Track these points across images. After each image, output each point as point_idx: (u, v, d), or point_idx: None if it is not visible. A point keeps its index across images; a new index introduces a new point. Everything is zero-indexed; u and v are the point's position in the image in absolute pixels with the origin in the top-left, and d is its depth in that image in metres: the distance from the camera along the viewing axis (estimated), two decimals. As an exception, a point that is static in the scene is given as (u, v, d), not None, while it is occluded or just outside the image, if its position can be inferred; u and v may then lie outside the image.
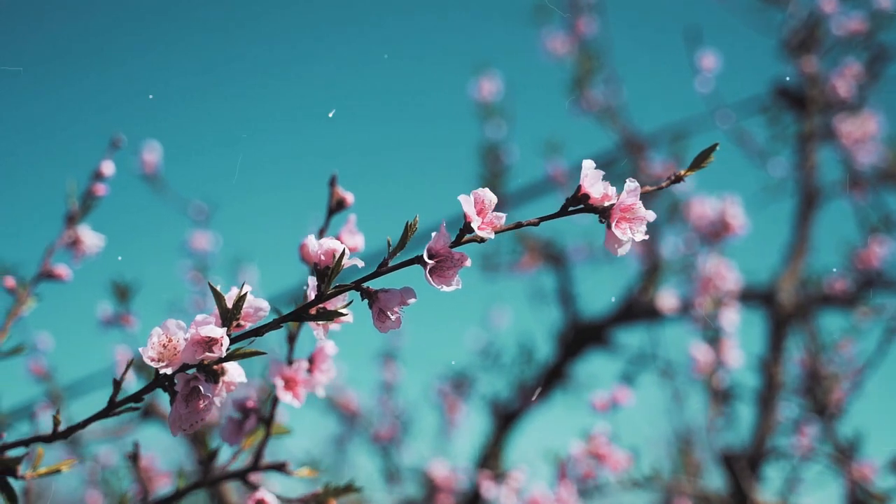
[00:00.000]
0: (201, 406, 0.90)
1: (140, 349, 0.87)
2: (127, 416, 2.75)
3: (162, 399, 2.91)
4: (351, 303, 0.92)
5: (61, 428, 0.99)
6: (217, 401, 0.91)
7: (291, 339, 1.16)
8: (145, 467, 2.65)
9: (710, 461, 3.02)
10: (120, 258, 1.66)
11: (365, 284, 0.90)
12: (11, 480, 1.03)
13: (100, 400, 0.95)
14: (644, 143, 3.76)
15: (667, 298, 3.50)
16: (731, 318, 2.95)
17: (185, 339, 0.87)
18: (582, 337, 3.92)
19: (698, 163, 0.95)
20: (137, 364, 1.61)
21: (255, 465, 1.19)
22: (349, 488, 1.18)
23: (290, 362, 1.14)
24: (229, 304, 0.90)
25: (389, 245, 0.89)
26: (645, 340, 3.29)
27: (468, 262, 0.88)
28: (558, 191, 3.74)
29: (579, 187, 0.90)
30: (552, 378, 3.98)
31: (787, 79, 3.41)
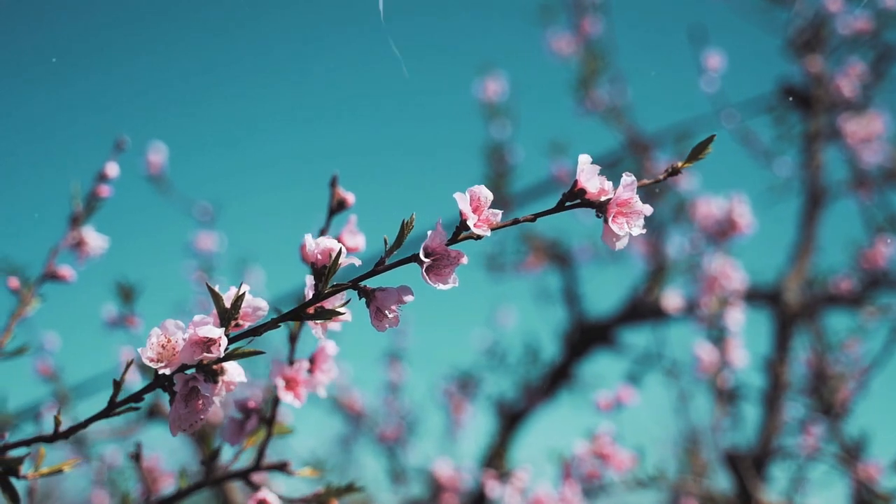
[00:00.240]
0: (200, 406, 0.90)
1: (139, 350, 0.88)
2: (133, 416, 2.77)
3: (167, 399, 2.92)
4: (349, 301, 0.93)
5: (63, 428, 1.00)
6: (216, 400, 0.91)
7: (293, 339, 1.16)
8: (149, 467, 2.66)
9: (716, 461, 3.01)
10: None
11: (362, 283, 0.90)
12: (14, 480, 1.04)
13: (106, 401, 0.96)
14: (649, 143, 3.75)
15: (672, 298, 3.50)
16: (737, 317, 2.94)
17: (184, 340, 0.88)
18: (587, 337, 3.92)
19: (696, 154, 0.94)
20: (140, 364, 1.61)
21: (257, 466, 1.19)
22: (351, 488, 1.19)
23: (291, 362, 1.15)
24: (227, 304, 0.90)
25: (386, 244, 0.89)
26: (650, 340, 3.29)
27: (465, 260, 0.88)
28: (563, 191, 3.73)
29: (576, 182, 0.90)
30: (558, 378, 3.98)
31: (793, 78, 3.41)
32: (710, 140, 0.94)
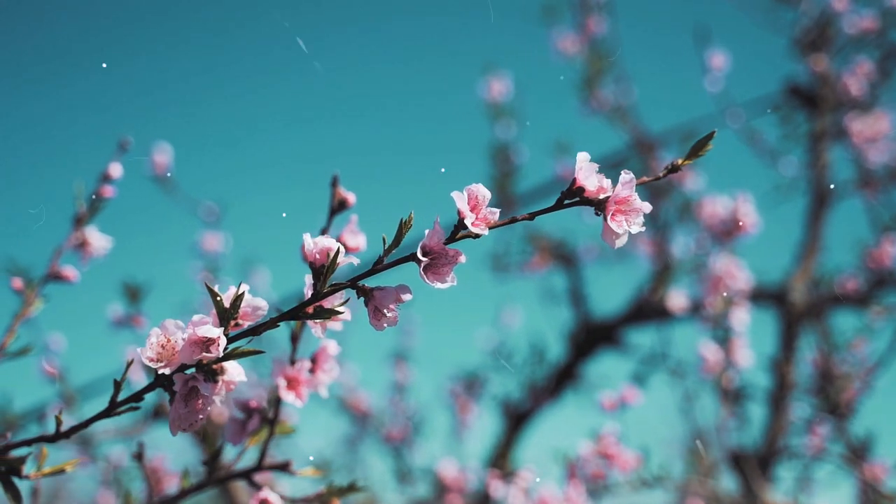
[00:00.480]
0: (200, 405, 0.90)
1: (138, 349, 0.88)
2: (139, 416, 2.77)
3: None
4: (348, 301, 0.93)
5: (64, 428, 1.00)
6: (216, 400, 0.92)
7: (294, 338, 1.16)
8: (154, 467, 2.66)
9: (722, 461, 3.01)
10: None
11: (360, 282, 0.91)
12: (17, 480, 1.04)
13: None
14: (654, 143, 3.75)
15: (677, 298, 3.49)
16: (742, 317, 2.94)
17: (183, 340, 0.88)
18: (593, 337, 3.92)
19: (695, 151, 0.94)
20: (143, 365, 1.62)
21: (260, 465, 1.19)
22: (352, 488, 1.19)
23: (292, 362, 1.15)
24: (227, 304, 0.90)
25: (385, 243, 0.89)
26: (656, 340, 3.28)
27: (463, 259, 0.88)
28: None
29: (574, 180, 0.90)
30: (563, 378, 3.98)
31: (799, 78, 3.40)
32: (709, 137, 0.94)
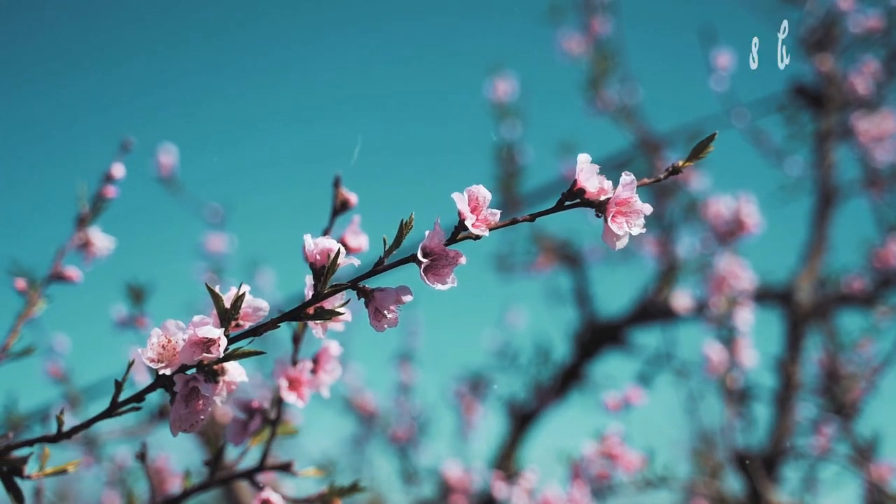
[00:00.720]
0: (201, 406, 0.90)
1: (139, 350, 0.88)
2: (144, 416, 2.77)
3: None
4: (348, 301, 0.93)
5: (66, 428, 1.00)
6: (217, 401, 0.92)
7: (296, 339, 1.16)
8: (159, 468, 2.67)
9: (727, 462, 3.00)
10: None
11: (361, 283, 0.91)
12: (18, 481, 1.04)
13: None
14: (660, 143, 3.74)
15: (681, 298, 3.49)
16: (746, 317, 2.93)
17: (184, 340, 0.88)
18: (598, 337, 3.91)
19: (697, 153, 0.94)
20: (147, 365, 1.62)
21: (262, 466, 1.19)
22: (354, 488, 1.19)
23: (294, 363, 1.15)
24: (227, 305, 0.90)
25: (385, 244, 0.89)
26: (660, 341, 3.28)
27: (463, 260, 0.88)
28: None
29: (575, 181, 0.90)
30: (569, 378, 3.98)
31: (805, 77, 3.39)
32: (711, 138, 0.93)
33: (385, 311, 0.89)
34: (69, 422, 1.01)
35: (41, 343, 2.53)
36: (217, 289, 0.91)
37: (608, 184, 0.90)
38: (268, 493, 1.13)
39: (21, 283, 1.46)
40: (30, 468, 1.04)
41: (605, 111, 3.88)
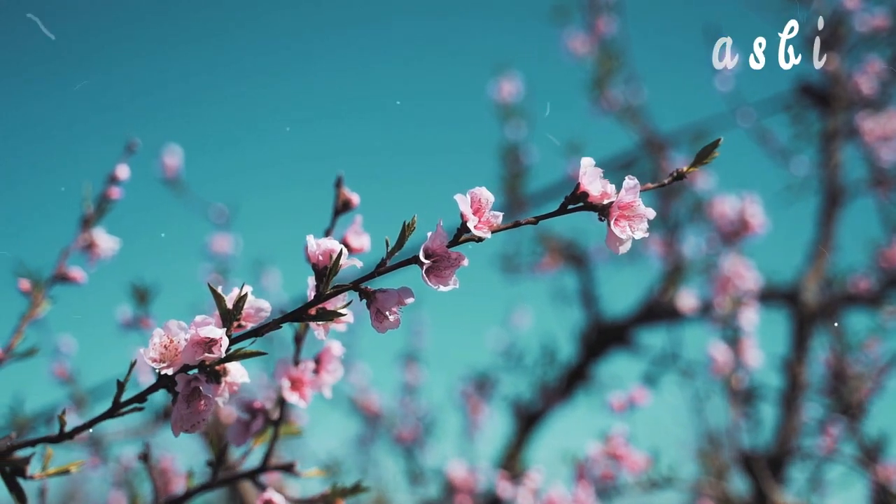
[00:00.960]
0: (202, 406, 0.90)
1: (141, 350, 0.88)
2: (150, 416, 2.77)
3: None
4: (350, 303, 0.93)
5: (68, 429, 1.00)
6: (219, 401, 0.92)
7: (298, 339, 1.16)
8: (164, 468, 2.67)
9: (733, 462, 3.00)
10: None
11: (363, 285, 0.90)
12: (22, 481, 1.04)
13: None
14: (665, 143, 3.74)
15: (686, 299, 3.48)
16: (751, 317, 2.92)
17: (186, 340, 0.88)
18: (604, 337, 3.91)
19: (701, 159, 0.94)
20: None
21: (264, 466, 1.19)
22: (357, 488, 1.19)
23: (296, 363, 1.15)
24: (229, 305, 0.90)
25: (388, 245, 0.89)
26: (666, 341, 3.27)
27: (465, 262, 0.88)
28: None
29: (578, 185, 0.90)
30: (575, 379, 3.98)
31: (811, 76, 3.38)
32: (715, 144, 0.93)
33: (387, 313, 0.89)
34: (75, 423, 1.01)
35: (47, 344, 2.55)
36: (220, 289, 0.91)
37: (611, 188, 0.90)
38: (270, 494, 1.13)
39: (25, 283, 1.46)
40: (33, 468, 1.04)
41: (611, 111, 3.88)
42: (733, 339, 2.91)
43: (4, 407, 1.90)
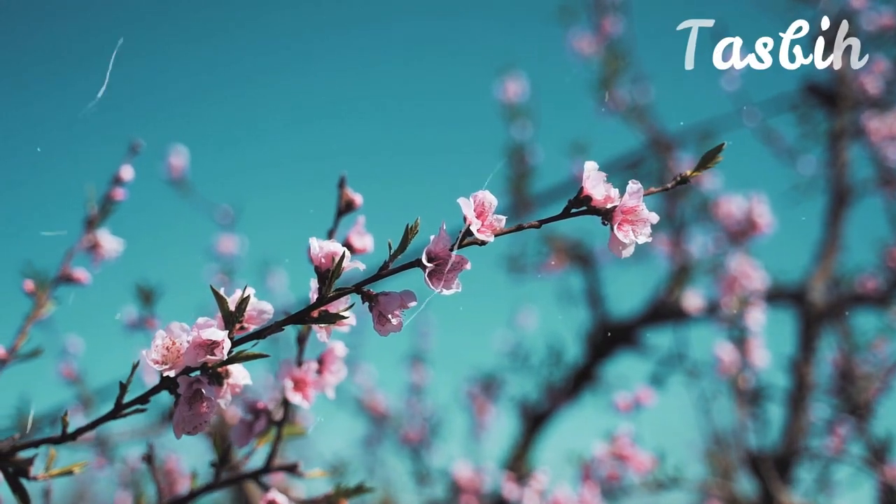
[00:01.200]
0: (204, 408, 0.90)
1: (143, 352, 0.88)
2: (156, 417, 2.77)
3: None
4: (353, 305, 0.92)
5: (71, 429, 1.01)
6: (221, 403, 0.92)
7: (301, 340, 1.16)
8: (169, 469, 2.68)
9: (740, 463, 2.99)
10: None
11: (365, 287, 0.90)
12: (25, 482, 1.05)
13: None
14: (671, 143, 3.73)
15: (693, 299, 3.47)
16: (757, 317, 2.92)
17: (188, 342, 0.88)
18: (611, 338, 3.90)
19: (705, 163, 0.93)
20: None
21: (268, 467, 1.19)
22: (360, 489, 1.19)
23: (299, 364, 1.15)
24: (232, 307, 0.90)
25: (390, 248, 0.89)
26: (673, 341, 3.27)
27: (468, 266, 0.88)
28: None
29: (581, 189, 0.90)
30: (581, 379, 3.97)
31: (817, 76, 3.37)
32: (719, 148, 0.93)
33: (389, 316, 0.89)
34: (81, 423, 1.01)
35: (54, 345, 2.55)
36: (223, 291, 0.91)
37: (615, 192, 0.89)
38: (273, 494, 1.13)
39: (29, 284, 1.46)
40: (36, 469, 1.04)
41: (617, 111, 3.86)
42: (740, 339, 2.90)
43: (11, 408, 1.91)
